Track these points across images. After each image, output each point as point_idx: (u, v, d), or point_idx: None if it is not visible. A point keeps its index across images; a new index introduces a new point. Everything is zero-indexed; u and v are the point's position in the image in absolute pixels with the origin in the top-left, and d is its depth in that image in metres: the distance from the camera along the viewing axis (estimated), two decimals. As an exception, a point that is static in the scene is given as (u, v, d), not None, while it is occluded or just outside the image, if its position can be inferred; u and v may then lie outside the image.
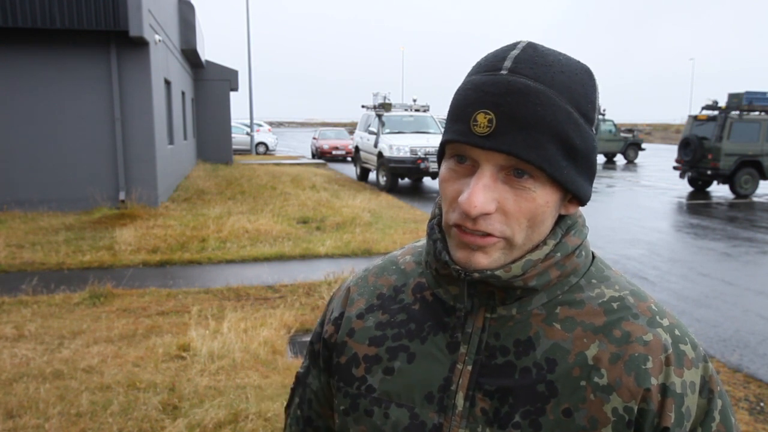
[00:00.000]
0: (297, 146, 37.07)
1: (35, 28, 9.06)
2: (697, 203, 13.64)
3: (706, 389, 0.71)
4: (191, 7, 15.21)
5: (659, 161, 27.55)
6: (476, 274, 0.70)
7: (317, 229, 8.93)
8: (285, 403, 0.97)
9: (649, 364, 0.69)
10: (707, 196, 15.09)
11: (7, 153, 9.50)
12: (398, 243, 7.99)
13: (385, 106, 16.23)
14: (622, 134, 27.44)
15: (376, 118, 15.91)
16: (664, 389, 0.68)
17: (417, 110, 16.96)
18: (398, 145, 14.21)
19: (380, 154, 14.72)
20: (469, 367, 0.73)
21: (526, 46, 0.69)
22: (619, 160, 28.26)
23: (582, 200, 0.72)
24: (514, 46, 0.69)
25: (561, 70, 0.67)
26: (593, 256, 0.79)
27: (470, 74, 0.70)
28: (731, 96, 15.15)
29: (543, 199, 0.67)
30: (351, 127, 38.01)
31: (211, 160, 19.18)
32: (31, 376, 3.77)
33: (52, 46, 9.46)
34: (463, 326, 0.75)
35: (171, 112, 12.61)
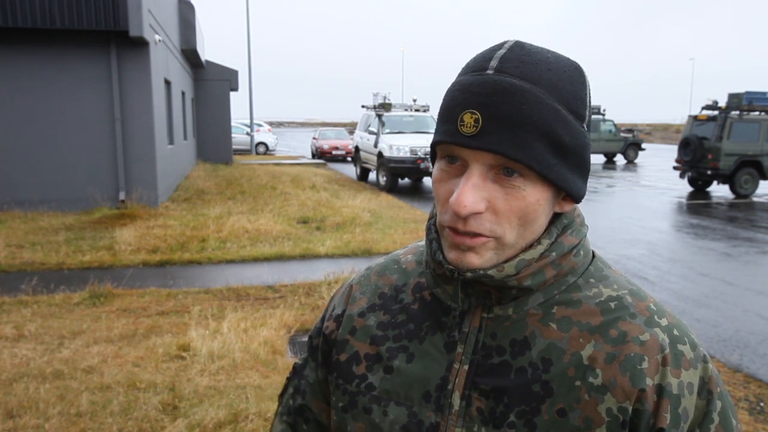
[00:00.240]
0: (297, 146, 37.07)
1: (35, 28, 9.06)
2: (697, 203, 13.64)
3: (705, 390, 0.70)
4: (191, 7, 15.22)
5: (659, 161, 27.55)
6: (469, 274, 0.70)
7: (317, 229, 8.93)
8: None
9: (645, 365, 0.69)
10: (707, 196, 15.08)
11: (7, 153, 9.51)
12: (398, 243, 8.00)
13: (385, 106, 16.23)
14: (622, 134, 27.42)
15: (376, 118, 15.91)
16: (660, 390, 0.68)
17: (417, 110, 16.96)
18: (398, 145, 14.22)
19: (380, 154, 14.72)
20: (466, 367, 0.73)
21: (513, 45, 0.69)
22: (619, 160, 28.24)
23: (575, 198, 0.72)
24: (501, 45, 0.69)
25: (548, 68, 0.67)
26: (593, 255, 0.78)
27: (459, 75, 0.70)
28: (731, 96, 15.14)
29: (533, 197, 0.67)
30: (351, 127, 38.00)
31: (211, 160, 19.18)
32: (31, 376, 3.77)
33: (52, 46, 9.46)
34: (460, 326, 0.75)
35: (171, 112, 12.61)
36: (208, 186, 13.22)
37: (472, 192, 0.66)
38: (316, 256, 7.36)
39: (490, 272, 0.69)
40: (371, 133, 15.96)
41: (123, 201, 9.80)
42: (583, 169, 0.71)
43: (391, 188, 14.46)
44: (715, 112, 15.12)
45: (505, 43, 0.70)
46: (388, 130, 15.41)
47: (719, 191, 15.91)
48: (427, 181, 16.70)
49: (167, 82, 12.09)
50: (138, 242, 7.51)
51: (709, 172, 14.85)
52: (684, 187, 16.42)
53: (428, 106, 17.23)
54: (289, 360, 4.24)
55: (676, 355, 0.70)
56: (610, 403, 0.68)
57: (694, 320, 5.35)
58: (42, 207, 9.58)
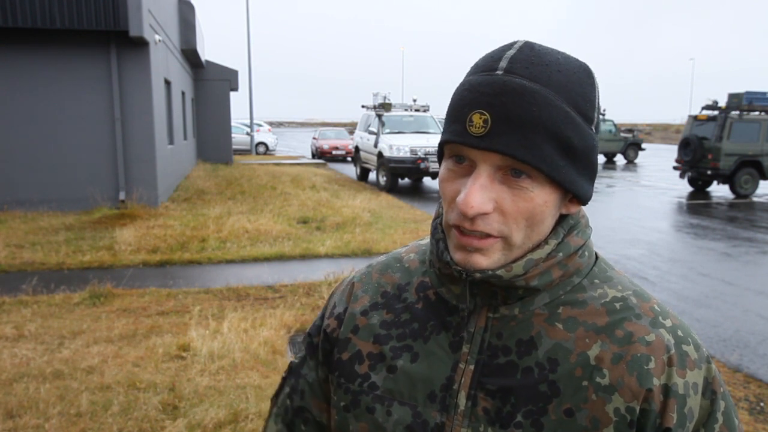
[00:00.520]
0: (297, 146, 37.07)
1: (35, 28, 9.06)
2: (697, 203, 13.64)
3: (709, 390, 0.71)
4: (191, 7, 15.21)
5: (659, 161, 27.56)
6: (478, 275, 0.70)
7: (317, 229, 8.93)
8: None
9: (652, 365, 0.69)
10: (707, 196, 15.09)
11: (7, 153, 9.50)
12: (398, 243, 7.99)
13: (385, 106, 16.23)
14: (622, 134, 27.45)
15: (376, 118, 15.91)
16: (667, 390, 0.68)
17: (417, 110, 16.96)
18: (398, 145, 14.21)
19: (380, 154, 14.72)
20: (472, 367, 0.73)
21: (523, 45, 0.68)
22: (619, 160, 28.27)
23: (582, 200, 0.72)
24: (510, 46, 0.69)
25: (558, 70, 0.67)
26: (596, 257, 0.79)
27: (468, 75, 0.70)
28: (731, 96, 15.15)
29: (541, 198, 0.67)
30: (351, 127, 38.01)
31: (211, 160, 19.18)
32: (31, 376, 3.77)
33: (52, 46, 9.46)
34: (465, 326, 0.75)
35: (171, 112, 12.61)
36: (208, 186, 13.22)
37: (480, 192, 0.65)
38: (316, 256, 7.36)
39: (498, 272, 0.69)
40: (371, 133, 15.96)
41: (123, 201, 9.80)
42: (591, 171, 0.71)
43: (391, 188, 14.46)
44: (715, 112, 15.12)
45: (514, 43, 0.69)
46: (388, 130, 15.40)
47: (719, 191, 15.91)
48: (427, 181, 16.70)
49: (167, 82, 12.09)
50: (138, 242, 7.51)
51: (709, 172, 14.86)
52: (684, 187, 16.42)
53: (428, 106, 17.23)
54: (289, 360, 4.24)
55: (681, 356, 0.70)
56: (618, 403, 0.68)
57: (694, 320, 5.35)
58: (42, 207, 9.58)
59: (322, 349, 0.86)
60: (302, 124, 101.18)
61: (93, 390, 3.60)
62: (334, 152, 25.30)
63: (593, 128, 0.70)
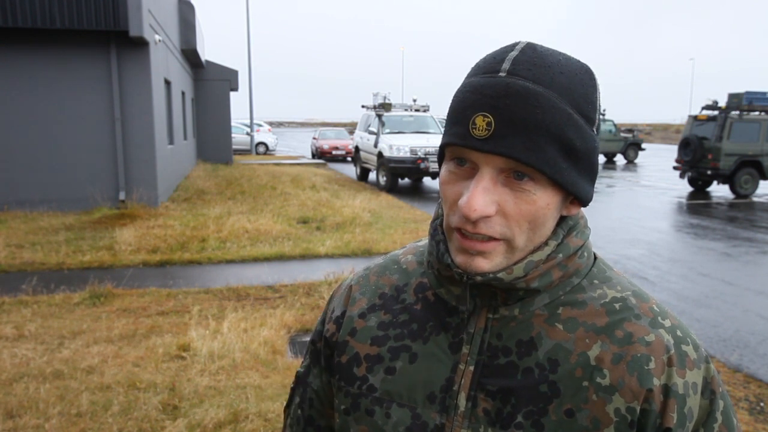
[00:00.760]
0: (297, 146, 37.07)
1: (35, 28, 9.06)
2: (697, 203, 13.64)
3: (708, 390, 0.71)
4: (191, 7, 15.21)
5: (659, 161, 27.56)
6: (479, 278, 0.69)
7: (317, 229, 8.93)
8: (285, 403, 0.95)
9: (652, 365, 0.69)
10: (707, 196, 15.09)
11: (7, 153, 9.50)
12: (398, 243, 7.99)
13: (385, 106, 16.23)
14: (622, 134, 27.45)
15: (376, 118, 15.91)
16: (667, 390, 0.68)
17: (417, 110, 16.96)
18: (398, 145, 14.21)
19: (380, 154, 14.72)
20: (471, 368, 0.73)
21: (525, 47, 0.68)
22: (619, 160, 28.27)
23: (583, 201, 0.72)
24: (512, 47, 0.69)
25: (560, 71, 0.66)
26: (595, 257, 0.79)
27: (469, 76, 0.70)
28: (731, 96, 15.15)
29: (544, 201, 0.67)
30: (351, 127, 38.01)
31: (211, 160, 19.18)
32: (31, 376, 3.77)
33: (52, 46, 9.46)
34: (465, 327, 0.75)
35: (171, 112, 12.61)
36: (208, 186, 13.22)
37: (482, 195, 0.65)
38: (316, 256, 7.36)
39: (500, 275, 0.69)
40: (371, 133, 15.96)
41: (123, 201, 9.80)
42: (592, 173, 0.71)
43: (391, 188, 14.46)
44: (715, 112, 15.12)
45: (516, 44, 0.69)
46: (388, 130, 15.40)
47: (719, 191, 15.91)
48: (427, 181, 16.70)
49: (167, 82, 12.09)
50: (138, 242, 7.51)
51: (709, 172, 14.86)
52: (684, 187, 16.42)
53: (428, 106, 17.23)
54: (289, 360, 4.24)
55: (681, 356, 0.70)
56: (619, 403, 0.68)
57: (694, 320, 5.35)
58: (42, 207, 9.58)
59: (324, 354, 0.86)
60: (302, 124, 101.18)
61: (93, 390, 3.60)
62: (334, 152, 25.31)
63: (594, 129, 0.70)
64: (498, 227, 0.67)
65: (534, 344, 0.72)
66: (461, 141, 0.66)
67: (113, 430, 3.16)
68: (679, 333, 0.72)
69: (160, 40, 10.65)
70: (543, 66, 0.66)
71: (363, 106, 17.83)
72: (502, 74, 0.65)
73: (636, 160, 27.50)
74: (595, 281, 0.75)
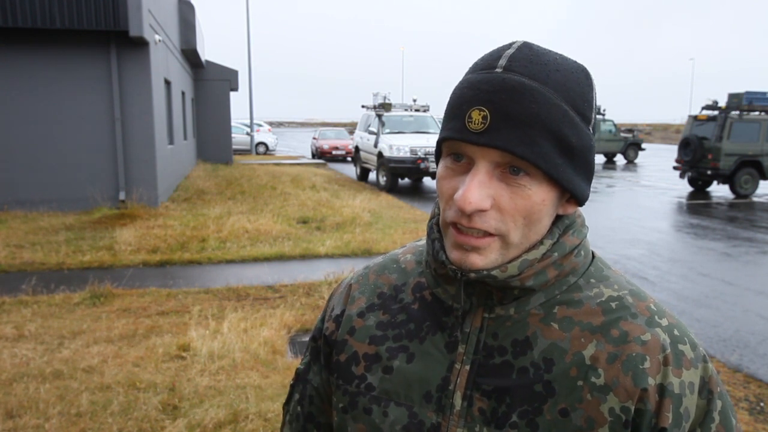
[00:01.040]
0: (297, 146, 37.07)
1: (35, 28, 9.06)
2: (697, 203, 13.64)
3: (706, 390, 0.70)
4: (191, 7, 15.21)
5: (659, 161, 27.55)
6: (472, 275, 0.70)
7: (317, 229, 8.93)
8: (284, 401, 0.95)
9: (647, 364, 0.69)
10: (707, 196, 15.09)
11: (7, 153, 9.51)
12: (398, 243, 7.99)
13: (385, 106, 16.23)
14: (622, 134, 27.45)
15: (376, 118, 15.91)
16: (662, 389, 0.68)
17: (417, 110, 16.96)
18: (398, 145, 14.22)
19: (380, 154, 14.72)
20: (467, 367, 0.73)
21: (522, 45, 0.69)
22: (619, 160, 28.27)
23: (579, 200, 0.72)
24: (509, 45, 0.70)
25: (556, 69, 0.67)
26: (593, 256, 0.79)
27: (467, 73, 0.71)
28: (731, 96, 15.14)
29: (539, 196, 0.67)
30: (351, 127, 38.00)
31: (211, 160, 19.18)
32: (31, 376, 3.77)
33: (52, 46, 9.46)
34: (461, 326, 0.75)
35: (171, 112, 12.61)
36: (208, 186, 13.22)
37: (478, 189, 0.65)
38: (316, 256, 7.36)
39: (493, 272, 0.69)
40: (371, 133, 15.96)
41: (123, 201, 9.80)
42: (588, 172, 0.72)
43: (391, 188, 14.46)
44: (715, 112, 15.12)
45: (513, 43, 0.70)
46: (388, 130, 15.41)
47: (719, 191, 15.91)
48: (427, 181, 16.70)
49: (167, 82, 12.09)
50: (138, 242, 7.51)
51: (709, 172, 14.85)
52: (684, 187, 16.42)
53: (428, 106, 17.23)
54: (289, 360, 4.24)
55: (677, 355, 0.70)
56: (613, 402, 0.68)
57: (694, 320, 5.35)
58: (42, 207, 9.58)
59: (323, 353, 0.86)
60: (302, 124, 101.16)
61: (93, 390, 3.60)
62: (334, 152, 25.31)
63: (590, 128, 0.70)
64: (493, 222, 0.67)
65: (529, 343, 0.72)
66: (457, 135, 0.66)
67: (113, 430, 3.16)
68: (676, 332, 0.72)
69: (160, 40, 10.66)
70: (539, 63, 0.67)
71: (363, 106, 17.83)
72: (498, 70, 0.66)
73: (636, 160, 27.50)
74: (592, 280, 0.75)
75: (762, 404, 3.79)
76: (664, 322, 0.72)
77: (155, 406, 3.38)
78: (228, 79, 19.66)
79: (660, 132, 58.74)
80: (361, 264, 6.64)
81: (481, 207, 0.66)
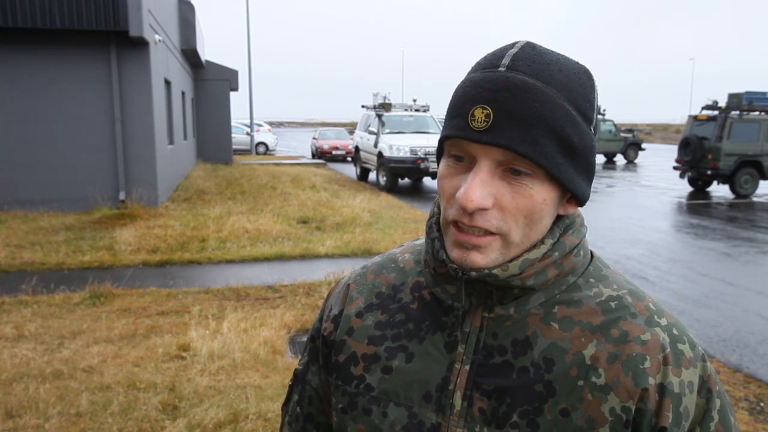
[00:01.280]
0: (297, 146, 37.07)
1: (35, 28, 9.06)
2: (697, 203, 13.64)
3: (705, 389, 0.71)
4: (191, 7, 15.21)
5: (659, 161, 27.55)
6: (474, 273, 0.69)
7: (317, 229, 8.93)
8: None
9: (647, 364, 0.69)
10: (707, 196, 15.08)
11: (7, 153, 9.51)
12: (398, 243, 7.99)
13: (385, 106, 16.23)
14: (622, 134, 27.45)
15: (376, 118, 15.91)
16: (662, 389, 0.68)
17: (417, 110, 16.96)
18: (398, 145, 14.22)
19: (380, 154, 14.72)
20: (467, 367, 0.73)
21: (525, 45, 0.69)
22: (619, 160, 28.27)
23: (580, 200, 0.72)
24: (512, 45, 0.70)
25: (559, 69, 0.67)
26: (591, 256, 0.79)
27: (469, 72, 0.71)
28: (731, 96, 15.14)
29: (540, 196, 0.67)
30: (351, 127, 38.00)
31: (211, 160, 19.18)
32: (31, 376, 3.77)
33: (52, 46, 9.46)
34: (461, 326, 0.75)
35: (171, 112, 12.61)
36: (208, 186, 13.22)
37: (480, 187, 0.66)
38: (316, 256, 7.36)
39: (494, 271, 0.69)
40: (371, 133, 15.96)
41: (123, 201, 9.80)
42: (589, 172, 0.72)
43: (391, 188, 14.46)
44: (715, 112, 15.12)
45: (516, 42, 0.70)
46: (388, 130, 15.41)
47: (719, 191, 15.91)
48: (427, 181, 16.70)
49: (167, 82, 12.09)
50: (138, 242, 7.51)
51: (709, 172, 14.85)
52: (684, 187, 16.42)
53: (428, 106, 17.23)
54: (289, 360, 4.24)
55: (677, 355, 0.70)
56: (614, 402, 0.68)
57: (694, 320, 5.35)
58: (42, 207, 9.58)
59: (322, 353, 0.86)
60: (302, 124, 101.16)
61: (93, 390, 3.60)
62: (334, 152, 25.30)
63: (592, 129, 0.71)
64: (494, 221, 0.67)
65: (529, 343, 0.72)
66: (460, 133, 0.66)
67: (113, 430, 3.16)
68: (675, 331, 0.72)
69: (160, 40, 10.66)
70: (542, 63, 0.67)
71: (363, 106, 17.83)
72: (501, 69, 0.66)
73: (636, 160, 27.50)
74: (591, 280, 0.75)
75: (762, 404, 3.79)
76: (664, 321, 0.73)
77: (155, 406, 3.38)
78: (228, 79, 19.66)
79: (660, 132, 58.74)
80: (360, 264, 6.65)
81: (483, 205, 0.66)
